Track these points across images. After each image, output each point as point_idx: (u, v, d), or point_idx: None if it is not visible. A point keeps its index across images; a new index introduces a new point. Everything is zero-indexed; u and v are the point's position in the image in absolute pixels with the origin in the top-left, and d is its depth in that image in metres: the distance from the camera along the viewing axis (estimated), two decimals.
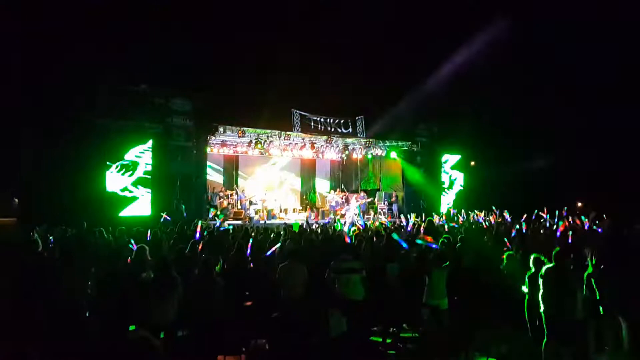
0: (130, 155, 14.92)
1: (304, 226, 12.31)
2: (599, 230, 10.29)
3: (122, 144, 14.81)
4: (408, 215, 14.67)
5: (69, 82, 13.40)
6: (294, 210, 21.19)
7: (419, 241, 7.82)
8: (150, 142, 15.25)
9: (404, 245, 7.57)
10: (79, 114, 13.71)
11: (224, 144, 18.98)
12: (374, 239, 9.35)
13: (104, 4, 14.63)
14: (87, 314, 5.32)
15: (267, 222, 17.02)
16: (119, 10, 15.15)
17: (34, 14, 13.52)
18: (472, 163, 22.11)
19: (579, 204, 21.88)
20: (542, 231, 11.07)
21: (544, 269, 5.40)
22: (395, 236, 7.73)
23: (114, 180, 14.64)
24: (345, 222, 14.70)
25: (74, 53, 13.71)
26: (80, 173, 13.78)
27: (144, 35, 15.77)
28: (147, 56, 15.51)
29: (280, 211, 20.18)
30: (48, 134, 13.60)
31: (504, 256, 6.79)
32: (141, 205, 15.01)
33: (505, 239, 8.74)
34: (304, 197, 22.61)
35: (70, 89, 13.49)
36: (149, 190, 15.18)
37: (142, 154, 15.15)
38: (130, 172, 14.91)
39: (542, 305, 5.28)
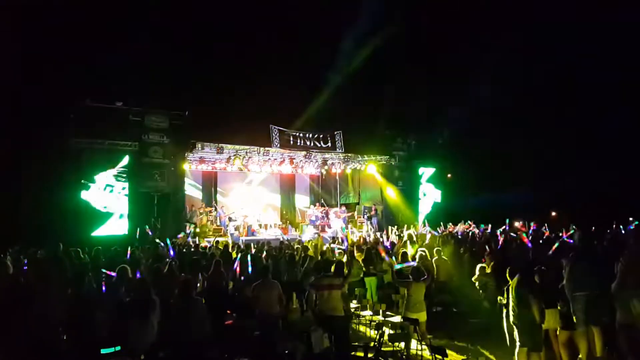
0: (106, 173, 14.72)
1: (284, 243, 12.32)
2: (570, 241, 10.55)
3: (98, 162, 14.60)
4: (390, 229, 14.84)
5: (43, 101, 13.22)
6: (273, 226, 21.11)
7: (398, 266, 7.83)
8: (126, 160, 15.08)
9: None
10: (53, 132, 13.51)
11: (202, 160, 18.87)
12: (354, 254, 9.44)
13: (78, 22, 14.53)
14: (64, 338, 5.21)
15: (247, 238, 16.93)
16: (95, 28, 15.07)
17: (7, 34, 13.33)
18: (449, 176, 22.47)
19: (553, 214, 22.43)
20: (517, 242, 11.28)
21: (511, 281, 5.56)
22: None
23: (90, 199, 14.40)
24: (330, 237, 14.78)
25: (49, 72, 13.55)
26: (56, 192, 13.53)
27: (120, 52, 15.69)
28: (123, 73, 15.42)
29: (260, 227, 20.10)
30: (22, 153, 13.35)
31: (477, 268, 6.93)
32: (118, 224, 14.77)
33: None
34: (284, 212, 22.57)
35: (45, 108, 13.31)
36: (126, 209, 14.97)
37: (118, 172, 14.96)
38: (108, 190, 14.69)
39: (511, 316, 5.44)
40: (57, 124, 13.71)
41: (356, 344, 6.74)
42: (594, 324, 5.45)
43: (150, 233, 13.09)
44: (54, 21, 14.27)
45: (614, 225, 13.02)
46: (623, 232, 12.10)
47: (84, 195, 14.25)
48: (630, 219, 12.93)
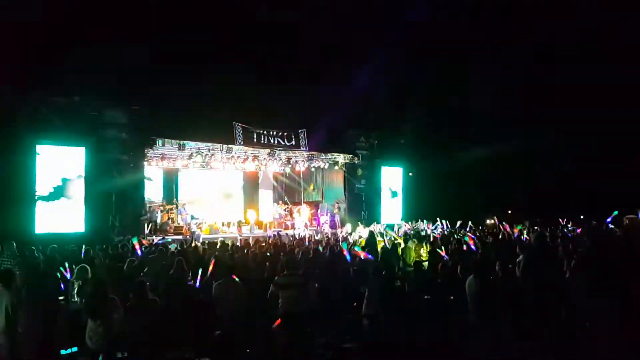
0: (61, 169, 14.21)
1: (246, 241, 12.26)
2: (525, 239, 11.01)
3: (53, 158, 14.08)
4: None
5: None
6: (235, 224, 20.93)
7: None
8: (83, 156, 14.59)
9: (348, 258, 7.70)
10: (5, 127, 12.91)
11: (163, 157, 18.49)
12: (318, 251, 9.50)
13: (33, 13, 13.91)
14: (19, 341, 5.04)
15: (209, 236, 16.73)
16: (52, 20, 14.46)
17: None
18: (410, 174, 22.93)
19: (509, 212, 23.24)
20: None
21: (467, 279, 5.74)
22: (344, 246, 7.77)
23: (44, 194, 13.88)
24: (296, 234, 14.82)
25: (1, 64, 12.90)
26: (5, 188, 12.96)
27: (76, 44, 15.11)
28: (79, 66, 14.86)
29: (223, 225, 19.90)
30: None
31: (439, 266, 7.12)
32: (74, 222, 14.30)
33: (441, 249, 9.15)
34: (247, 211, 22.39)
35: None
36: (83, 206, 14.50)
37: (74, 168, 14.47)
38: (62, 187, 14.20)
39: (471, 314, 5.62)
40: (9, 118, 13.10)
41: (319, 341, 6.82)
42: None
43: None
44: (10, 13, 13.61)
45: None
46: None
47: (38, 189, 13.71)
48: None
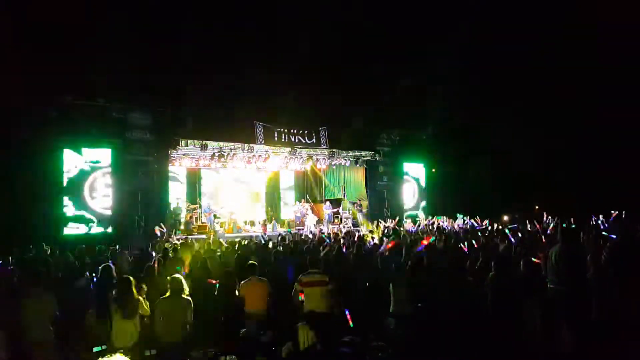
0: (89, 170, 14.53)
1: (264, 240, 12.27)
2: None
3: (80, 160, 14.40)
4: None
5: (22, 98, 12.94)
6: (259, 223, 21.04)
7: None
8: (109, 158, 14.89)
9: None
10: (33, 130, 13.25)
11: (186, 157, 18.73)
12: (343, 249, 9.45)
13: (59, 17, 14.22)
14: (53, 338, 5.17)
15: (232, 235, 16.87)
16: (75, 23, 14.76)
17: None
18: (433, 170, 22.68)
19: (536, 207, 22.77)
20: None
21: (489, 276, 5.61)
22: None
23: (72, 197, 14.20)
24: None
25: (26, 68, 13.24)
26: (36, 191, 13.31)
27: (101, 47, 15.41)
28: (105, 69, 15.16)
29: (246, 224, 20.03)
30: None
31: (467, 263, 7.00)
32: (102, 222, 14.61)
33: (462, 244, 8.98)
34: (269, 209, 22.49)
35: (25, 105, 13.04)
36: (110, 207, 14.80)
37: (102, 169, 14.78)
38: (90, 188, 14.51)
39: (490, 310, 5.50)
40: (36, 121, 13.44)
41: (345, 339, 6.76)
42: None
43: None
44: (31, 15, 13.95)
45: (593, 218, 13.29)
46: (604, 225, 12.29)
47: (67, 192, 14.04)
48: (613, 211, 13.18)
